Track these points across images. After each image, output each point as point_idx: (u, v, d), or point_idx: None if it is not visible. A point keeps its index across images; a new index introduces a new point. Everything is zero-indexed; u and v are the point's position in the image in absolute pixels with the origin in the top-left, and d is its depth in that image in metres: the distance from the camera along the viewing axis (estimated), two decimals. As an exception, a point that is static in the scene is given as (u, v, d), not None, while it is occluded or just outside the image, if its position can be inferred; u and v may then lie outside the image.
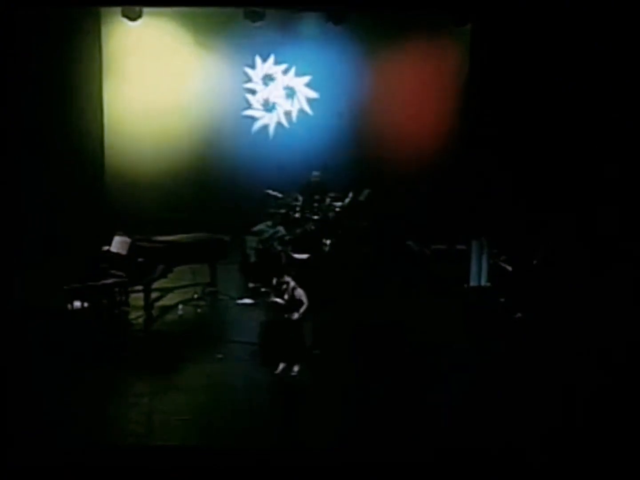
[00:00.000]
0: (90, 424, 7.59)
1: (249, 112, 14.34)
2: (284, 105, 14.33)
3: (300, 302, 8.74)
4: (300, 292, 8.80)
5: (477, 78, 13.55)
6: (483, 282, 11.03)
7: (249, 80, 14.27)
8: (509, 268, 10.83)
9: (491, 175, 12.77)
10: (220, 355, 9.23)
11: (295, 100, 14.36)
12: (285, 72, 14.31)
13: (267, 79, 14.24)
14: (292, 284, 8.85)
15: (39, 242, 11.41)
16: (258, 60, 14.25)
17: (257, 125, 14.37)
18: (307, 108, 14.30)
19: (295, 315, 8.68)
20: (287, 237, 11.53)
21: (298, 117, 14.34)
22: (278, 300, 8.83)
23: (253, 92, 14.29)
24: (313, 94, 14.28)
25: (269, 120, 14.37)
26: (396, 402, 8.02)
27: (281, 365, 8.56)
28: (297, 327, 8.70)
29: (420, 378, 8.62)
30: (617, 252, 10.84)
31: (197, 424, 7.72)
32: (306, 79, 14.28)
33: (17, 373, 8.40)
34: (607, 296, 10.08)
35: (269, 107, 14.30)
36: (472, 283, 11.07)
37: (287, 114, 14.35)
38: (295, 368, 8.58)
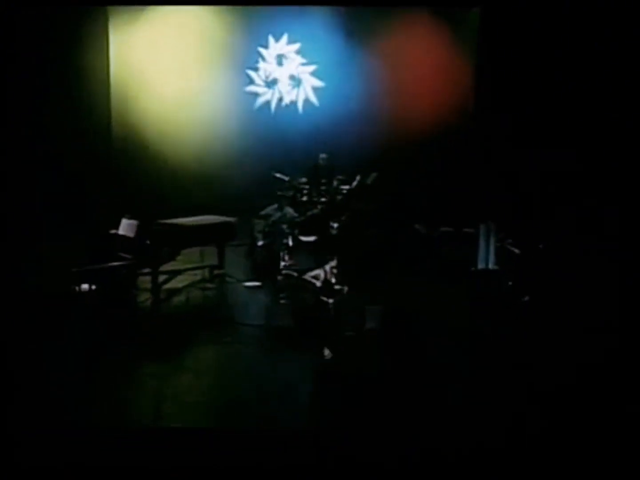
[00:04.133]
0: (98, 406, 7.56)
1: (251, 88, 14.22)
2: (287, 95, 14.25)
3: (336, 286, 8.74)
4: (339, 274, 8.83)
5: (486, 59, 13.44)
6: (491, 265, 11.01)
7: (263, 59, 14.13)
8: (517, 251, 10.81)
9: (499, 158, 12.67)
10: (227, 338, 9.21)
11: (301, 89, 14.26)
12: (298, 52, 14.17)
13: (281, 58, 14.14)
14: (329, 265, 8.78)
15: (46, 225, 11.39)
16: (271, 39, 14.12)
17: (259, 102, 14.21)
18: (313, 97, 14.19)
19: (332, 299, 8.66)
20: (294, 220, 11.54)
21: (305, 102, 14.24)
22: (316, 282, 8.78)
23: (256, 70, 14.19)
24: (319, 83, 14.17)
25: (280, 100, 14.28)
26: (404, 389, 7.98)
27: (326, 351, 8.52)
28: (334, 310, 8.66)
29: (427, 362, 8.59)
30: (624, 236, 10.78)
31: (204, 406, 7.70)
32: (312, 67, 14.18)
33: (24, 358, 8.39)
34: (614, 280, 10.05)
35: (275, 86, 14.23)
36: (480, 266, 11.04)
37: (293, 103, 14.27)
38: (327, 352, 8.54)
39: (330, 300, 8.63)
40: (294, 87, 14.16)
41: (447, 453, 6.72)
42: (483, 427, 7.23)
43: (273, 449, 6.83)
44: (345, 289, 8.72)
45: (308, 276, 8.83)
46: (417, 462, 6.65)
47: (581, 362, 8.43)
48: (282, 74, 14.14)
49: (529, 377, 8.15)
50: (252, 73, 14.21)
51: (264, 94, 14.19)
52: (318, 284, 8.79)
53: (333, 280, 8.77)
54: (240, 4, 13.50)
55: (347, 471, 6.59)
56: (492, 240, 11.03)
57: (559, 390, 7.86)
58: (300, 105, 14.28)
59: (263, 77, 14.16)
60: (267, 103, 14.25)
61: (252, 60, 14.19)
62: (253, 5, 13.45)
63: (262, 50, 14.14)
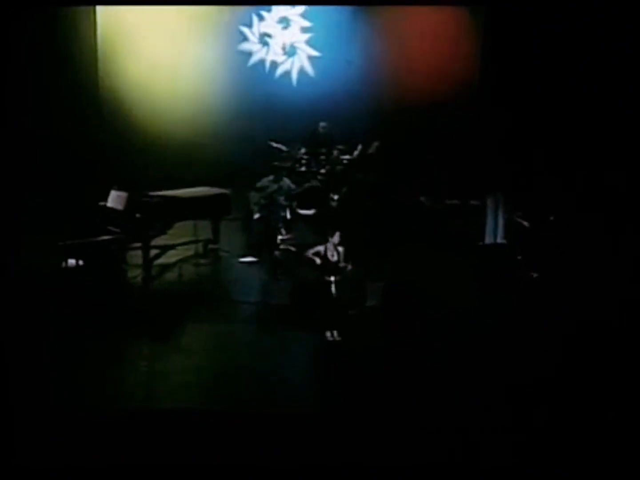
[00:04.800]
0: (86, 388, 7.65)
1: (245, 46, 14.17)
2: (286, 62, 14.21)
3: (342, 262, 8.75)
4: (341, 251, 8.79)
5: (494, 26, 13.40)
6: (499, 240, 11.04)
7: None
8: (526, 224, 10.83)
9: (508, 127, 12.67)
10: (223, 315, 9.29)
11: (296, 58, 14.22)
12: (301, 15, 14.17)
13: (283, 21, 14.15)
14: (334, 240, 8.81)
15: (30, 197, 11.41)
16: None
17: (253, 60, 14.18)
18: (312, 63, 14.15)
19: (337, 276, 8.69)
20: (292, 192, 11.51)
21: (304, 67, 14.19)
22: (316, 259, 8.83)
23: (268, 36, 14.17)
24: (314, 52, 14.13)
25: (284, 68, 14.25)
26: (407, 370, 8.09)
27: (327, 332, 8.58)
28: (336, 288, 8.69)
29: (431, 342, 8.66)
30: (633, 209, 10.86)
31: (199, 387, 7.79)
32: (307, 35, 14.15)
33: (13, 337, 8.42)
34: (629, 256, 10.11)
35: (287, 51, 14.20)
36: (487, 240, 11.08)
37: (287, 72, 14.23)
38: (335, 332, 8.60)
39: (332, 278, 8.67)
40: (291, 54, 14.10)
41: (450, 436, 6.84)
42: (489, 407, 7.34)
43: (271, 431, 6.93)
44: (349, 266, 8.76)
45: (309, 253, 8.85)
46: (420, 444, 6.76)
47: (592, 340, 8.51)
48: (280, 36, 14.06)
49: (536, 356, 8.24)
50: (246, 30, 14.12)
51: (258, 51, 14.08)
52: (318, 260, 8.83)
53: (335, 257, 8.81)
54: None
55: (349, 453, 6.69)
56: (500, 213, 11.06)
57: (568, 369, 7.97)
58: (298, 70, 14.21)
59: (257, 35, 14.09)
60: (263, 66, 14.16)
61: (246, 20, 14.11)
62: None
63: (263, 12, 14.10)
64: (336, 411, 7.31)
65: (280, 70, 14.25)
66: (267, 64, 14.21)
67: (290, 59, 14.21)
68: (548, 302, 9.48)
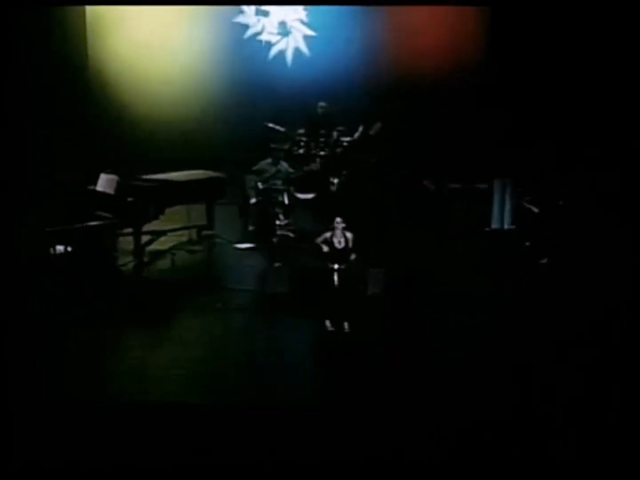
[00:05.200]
0: (77, 379, 7.67)
1: (240, 19, 14.10)
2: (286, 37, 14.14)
3: (350, 249, 8.71)
4: (350, 237, 8.78)
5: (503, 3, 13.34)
6: (506, 225, 11.05)
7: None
8: (535, 209, 10.80)
9: (516, 106, 12.62)
10: (218, 305, 9.29)
11: (293, 37, 14.14)
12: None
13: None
14: (341, 226, 8.78)
15: (16, 181, 11.32)
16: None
17: (248, 34, 14.12)
18: (306, 45, 14.07)
19: (344, 265, 8.67)
20: (290, 175, 11.46)
21: (301, 45, 14.11)
22: (324, 246, 8.78)
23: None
24: (311, 32, 14.05)
25: (280, 46, 14.17)
26: (410, 361, 8.10)
27: (328, 323, 8.60)
28: (350, 277, 8.71)
29: (436, 332, 8.69)
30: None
31: (193, 379, 7.80)
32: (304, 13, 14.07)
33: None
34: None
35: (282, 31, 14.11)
36: (494, 226, 11.08)
37: (284, 51, 14.15)
38: (346, 324, 8.61)
39: (337, 266, 8.66)
40: (287, 33, 14.01)
41: (455, 424, 6.90)
42: (495, 396, 7.37)
43: (270, 425, 6.95)
44: (353, 254, 8.77)
45: (318, 240, 8.83)
46: (424, 434, 6.81)
47: (602, 329, 8.53)
48: (276, 14, 13.99)
49: (545, 346, 8.26)
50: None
51: (253, 25, 13.98)
52: (326, 248, 8.78)
53: (342, 244, 8.78)
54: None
55: (352, 446, 6.70)
56: (508, 198, 11.04)
57: (579, 358, 7.99)
58: (296, 49, 14.12)
59: (253, 11, 14.00)
60: (259, 45, 14.08)
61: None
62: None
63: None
64: (338, 406, 7.32)
65: (277, 49, 14.17)
66: (264, 43, 14.12)
67: (287, 38, 14.11)
68: (557, 290, 9.47)
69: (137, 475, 6.60)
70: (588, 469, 6.54)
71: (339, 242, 8.73)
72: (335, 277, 8.61)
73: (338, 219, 8.75)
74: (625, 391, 7.46)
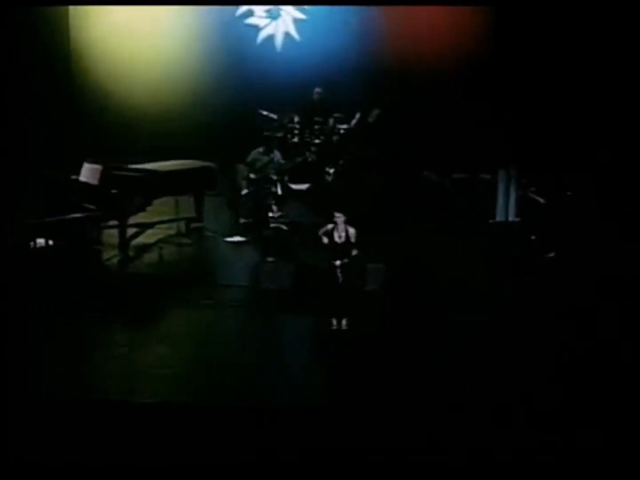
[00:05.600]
0: (61, 378, 7.66)
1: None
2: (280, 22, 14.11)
3: (352, 244, 8.68)
4: (352, 232, 8.73)
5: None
6: (511, 217, 11.02)
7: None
8: (541, 200, 10.82)
9: (521, 94, 12.60)
10: (208, 301, 9.29)
11: (286, 20, 14.09)
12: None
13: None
14: (343, 220, 8.75)
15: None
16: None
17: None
18: (301, 29, 14.01)
19: (346, 260, 8.64)
20: (283, 165, 11.45)
21: (297, 25, 14.06)
22: (324, 238, 8.75)
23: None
24: (300, 15, 14.00)
25: (272, 29, 14.12)
26: (413, 361, 8.10)
27: (334, 320, 8.59)
28: (350, 273, 8.68)
29: (438, 329, 8.69)
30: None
31: (181, 379, 7.77)
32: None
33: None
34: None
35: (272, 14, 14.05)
36: (499, 218, 11.05)
37: (278, 35, 14.10)
38: (344, 321, 8.60)
39: (336, 262, 8.61)
40: (280, 17, 13.99)
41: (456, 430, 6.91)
42: (499, 398, 7.38)
43: (265, 427, 6.96)
44: (353, 248, 8.72)
45: (320, 232, 8.83)
46: (425, 433, 6.86)
47: (610, 326, 8.55)
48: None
49: (551, 343, 8.27)
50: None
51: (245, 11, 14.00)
52: (325, 240, 8.73)
53: (343, 238, 8.73)
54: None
55: (352, 448, 6.74)
56: (512, 189, 11.00)
57: (584, 355, 8.03)
58: (290, 33, 14.07)
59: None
60: (252, 28, 14.02)
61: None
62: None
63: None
64: (336, 406, 7.33)
65: (270, 32, 14.12)
66: (256, 26, 14.07)
67: (280, 21, 14.06)
68: (564, 285, 9.46)
69: (121, 475, 6.64)
70: (589, 469, 6.61)
71: (339, 236, 8.70)
72: (334, 273, 8.58)
73: (337, 214, 8.71)
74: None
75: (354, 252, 8.68)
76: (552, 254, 10.23)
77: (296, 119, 12.15)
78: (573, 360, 7.93)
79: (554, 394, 7.42)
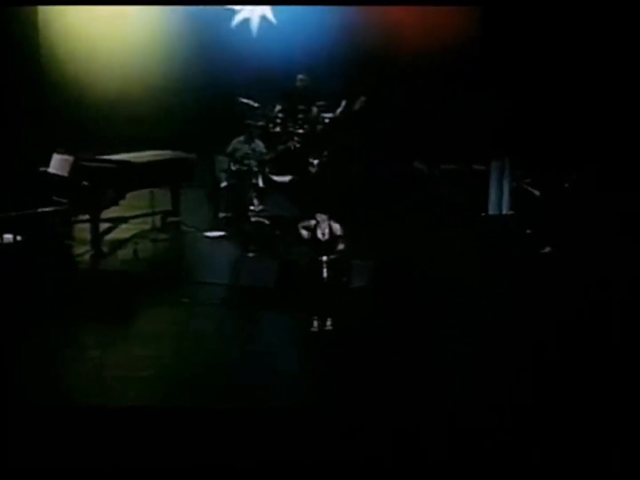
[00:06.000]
0: (30, 381, 7.60)
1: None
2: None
3: (337, 239, 8.67)
4: (337, 227, 8.71)
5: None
6: (505, 210, 11.03)
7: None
8: (537, 192, 10.84)
9: (515, 81, 12.60)
10: (185, 299, 9.26)
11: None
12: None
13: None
14: (325, 218, 8.73)
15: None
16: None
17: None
18: (282, 12, 13.98)
19: (331, 256, 8.61)
20: (265, 156, 11.45)
21: (280, 8, 14.04)
22: (304, 232, 8.75)
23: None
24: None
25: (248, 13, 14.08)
26: (402, 362, 8.05)
27: (319, 319, 8.58)
28: (335, 270, 8.65)
29: (427, 329, 8.67)
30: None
31: (157, 381, 7.74)
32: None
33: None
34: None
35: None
36: (492, 211, 11.06)
37: (258, 18, 14.06)
38: (329, 322, 8.58)
39: (319, 258, 8.58)
40: None
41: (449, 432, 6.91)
42: (493, 401, 7.39)
43: (245, 430, 6.88)
44: (337, 244, 8.70)
45: (301, 225, 8.82)
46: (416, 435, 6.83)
47: (607, 323, 8.55)
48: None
49: (545, 343, 8.27)
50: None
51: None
52: (305, 235, 8.72)
53: (327, 234, 8.70)
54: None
55: (334, 449, 6.70)
56: (506, 180, 11.02)
57: (580, 353, 8.04)
58: (270, 16, 14.05)
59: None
60: (230, 12, 13.99)
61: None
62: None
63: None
64: (321, 408, 7.31)
65: (250, 16, 14.08)
66: (232, 9, 14.04)
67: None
68: (561, 281, 9.47)
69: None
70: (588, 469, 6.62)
71: (322, 233, 8.68)
72: (319, 270, 8.57)
73: (320, 215, 8.71)
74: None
75: (339, 248, 8.64)
76: (548, 250, 10.25)
77: (279, 107, 12.13)
78: (570, 357, 7.96)
79: (551, 392, 7.46)
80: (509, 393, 7.44)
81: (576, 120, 11.62)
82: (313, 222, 8.73)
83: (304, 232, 8.72)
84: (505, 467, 6.63)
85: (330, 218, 8.72)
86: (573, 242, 10.20)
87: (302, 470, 6.58)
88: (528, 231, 10.54)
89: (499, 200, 11.05)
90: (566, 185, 10.78)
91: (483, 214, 11.11)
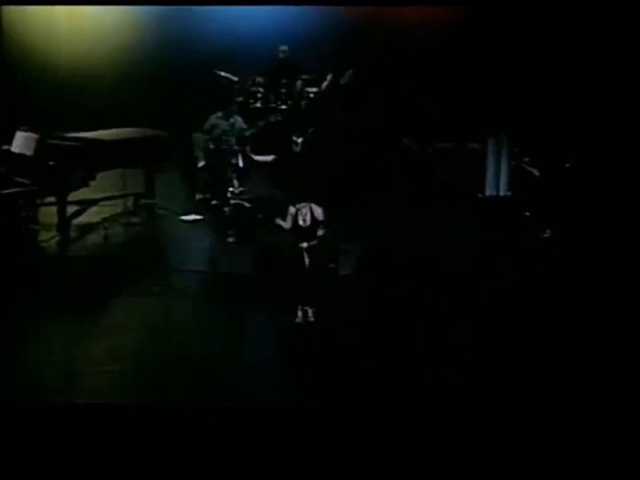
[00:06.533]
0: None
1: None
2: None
3: (318, 224, 8.66)
4: (319, 212, 8.68)
5: None
6: (502, 191, 11.04)
7: None
8: (536, 172, 10.84)
9: (512, 49, 12.54)
10: (158, 288, 9.27)
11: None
12: None
13: None
14: (306, 204, 8.73)
15: None
16: None
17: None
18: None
19: (313, 242, 8.61)
20: (245, 133, 11.39)
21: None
22: (282, 223, 8.72)
23: None
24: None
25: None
26: (391, 352, 8.06)
27: (300, 312, 8.59)
28: (316, 257, 8.65)
29: (420, 317, 8.67)
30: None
31: (128, 376, 7.73)
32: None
33: None
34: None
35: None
36: (488, 192, 11.07)
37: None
38: (310, 312, 8.58)
39: (303, 244, 8.58)
40: None
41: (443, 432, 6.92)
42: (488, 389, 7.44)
43: (223, 429, 6.90)
44: (321, 228, 8.69)
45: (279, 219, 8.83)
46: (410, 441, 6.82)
47: (609, 310, 8.59)
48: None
49: (545, 331, 8.28)
50: None
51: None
52: (286, 225, 8.69)
53: (308, 218, 8.67)
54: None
55: (319, 451, 6.72)
56: (504, 159, 11.04)
57: (580, 342, 8.09)
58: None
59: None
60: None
61: None
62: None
63: None
64: (305, 406, 7.32)
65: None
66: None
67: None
68: (560, 266, 9.52)
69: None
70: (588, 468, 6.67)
71: (303, 219, 8.67)
72: (302, 256, 8.57)
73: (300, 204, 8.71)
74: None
75: (321, 233, 8.63)
76: (548, 233, 10.27)
77: (260, 80, 12.08)
78: (569, 348, 8.01)
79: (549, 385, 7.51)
80: (507, 386, 7.45)
81: (579, 92, 11.58)
82: (292, 208, 8.69)
83: (284, 222, 8.70)
84: (504, 466, 6.69)
85: (312, 202, 8.68)
86: (574, 225, 10.21)
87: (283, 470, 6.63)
88: (527, 213, 10.57)
89: (496, 181, 11.06)
90: (568, 164, 10.78)
91: (479, 196, 11.14)
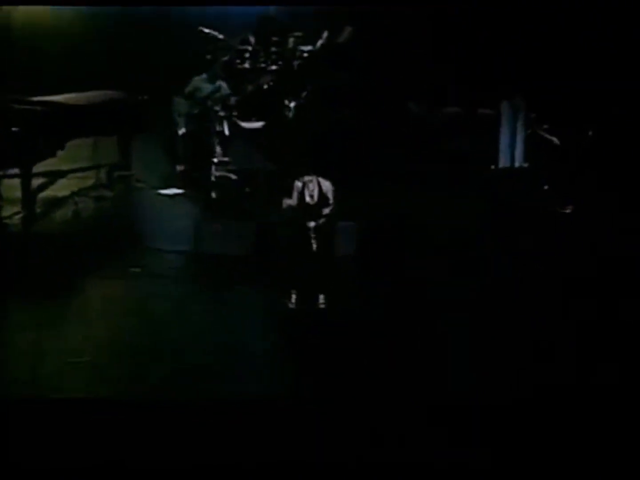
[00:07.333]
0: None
1: None
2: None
3: (327, 201, 8.68)
4: (328, 186, 8.69)
5: None
6: (517, 163, 11.09)
7: None
8: (556, 140, 10.89)
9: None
10: (136, 269, 9.29)
11: None
12: None
13: None
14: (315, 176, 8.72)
15: None
16: None
17: None
18: None
19: (321, 221, 8.63)
20: (231, 97, 11.41)
21: None
22: (289, 200, 8.73)
23: None
24: None
25: None
26: (393, 337, 8.08)
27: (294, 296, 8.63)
28: (324, 239, 8.67)
29: (425, 301, 8.71)
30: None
31: (102, 368, 7.64)
32: None
33: None
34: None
35: None
36: (502, 163, 11.11)
37: None
38: (321, 298, 8.62)
39: (309, 223, 8.58)
40: None
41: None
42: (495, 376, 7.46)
43: (210, 425, 6.86)
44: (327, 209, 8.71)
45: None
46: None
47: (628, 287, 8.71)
48: None
49: (560, 314, 8.35)
50: None
51: None
52: (292, 202, 8.70)
53: (314, 199, 8.69)
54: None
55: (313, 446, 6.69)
56: (519, 126, 11.07)
57: (597, 320, 8.18)
58: None
59: None
60: None
61: None
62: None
63: None
64: (302, 399, 7.32)
65: None
66: None
67: None
68: (581, 242, 9.60)
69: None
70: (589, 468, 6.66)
71: (310, 195, 8.67)
72: (298, 234, 8.63)
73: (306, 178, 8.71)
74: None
75: (327, 211, 8.65)
76: (569, 209, 10.28)
77: (248, 38, 12.04)
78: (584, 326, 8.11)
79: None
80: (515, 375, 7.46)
81: (603, 48, 11.47)
82: (299, 183, 8.67)
83: (289, 199, 8.70)
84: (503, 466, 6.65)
85: (317, 175, 8.69)
86: (594, 198, 10.29)
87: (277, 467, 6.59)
88: (545, 187, 10.61)
89: (511, 150, 11.13)
90: (591, 132, 10.81)
91: (492, 167, 11.18)
